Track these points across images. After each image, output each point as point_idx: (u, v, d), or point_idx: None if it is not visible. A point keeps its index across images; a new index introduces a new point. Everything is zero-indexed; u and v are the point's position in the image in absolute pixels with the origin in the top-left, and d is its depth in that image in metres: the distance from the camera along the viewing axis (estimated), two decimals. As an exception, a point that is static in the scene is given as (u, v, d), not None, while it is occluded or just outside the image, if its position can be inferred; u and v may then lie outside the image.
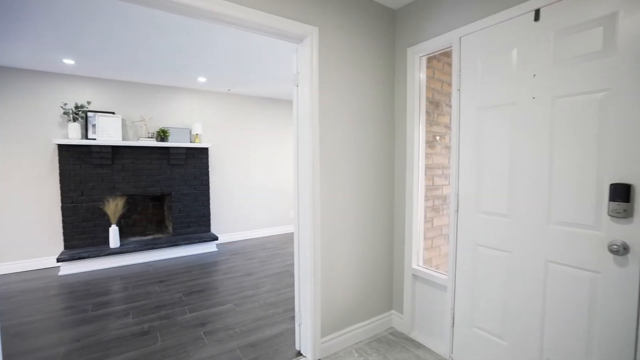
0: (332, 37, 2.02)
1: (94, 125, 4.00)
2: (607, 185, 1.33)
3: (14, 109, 3.66)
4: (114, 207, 4.02)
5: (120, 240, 4.29)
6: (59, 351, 2.14)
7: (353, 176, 2.18)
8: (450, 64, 2.52)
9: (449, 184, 2.58)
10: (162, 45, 3.00)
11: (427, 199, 2.39)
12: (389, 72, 2.33)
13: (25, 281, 3.42)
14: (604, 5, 1.32)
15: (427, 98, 2.34)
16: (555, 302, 1.51)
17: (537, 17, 1.52)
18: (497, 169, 1.73)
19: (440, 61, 2.47)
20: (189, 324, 2.49)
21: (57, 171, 3.89)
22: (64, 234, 3.87)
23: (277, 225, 5.64)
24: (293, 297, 2.96)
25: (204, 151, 4.71)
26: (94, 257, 3.76)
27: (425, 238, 2.38)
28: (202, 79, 4.23)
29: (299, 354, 2.10)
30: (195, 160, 4.66)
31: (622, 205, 1.28)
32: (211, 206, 4.95)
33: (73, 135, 3.81)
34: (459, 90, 1.91)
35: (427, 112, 2.35)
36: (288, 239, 5.26)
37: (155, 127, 4.47)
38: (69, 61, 3.45)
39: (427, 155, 2.37)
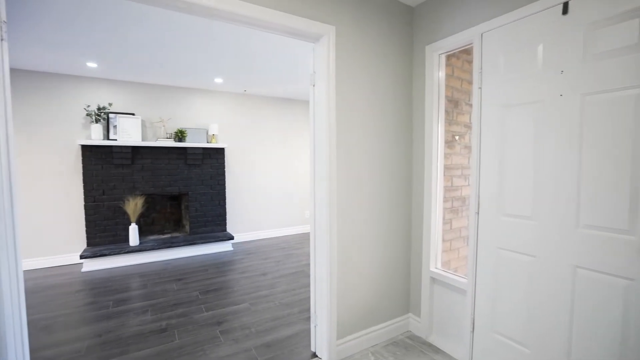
0: (349, 35, 1.99)
1: (115, 126, 4.11)
2: (643, 187, 1.26)
3: (41, 111, 3.81)
4: (133, 206, 4.12)
5: (140, 239, 4.40)
6: (82, 346, 2.20)
7: (370, 176, 2.14)
8: (470, 62, 2.45)
9: (468, 184, 2.51)
10: (181, 47, 3.05)
11: (445, 200, 2.34)
12: (406, 70, 2.29)
13: (50, 277, 3.55)
14: (639, -4, 1.24)
15: (446, 97, 2.28)
16: (584, 310, 1.43)
17: (565, 10, 1.45)
18: (520, 169, 1.67)
19: (459, 59, 2.40)
20: (205, 322, 2.52)
21: (81, 171, 4.02)
22: (87, 231, 3.99)
23: (292, 225, 5.65)
24: (308, 298, 2.95)
25: (220, 151, 4.77)
26: (114, 254, 3.87)
27: (443, 240, 2.33)
28: (218, 80, 4.29)
29: (315, 355, 2.09)
30: (211, 161, 4.72)
31: (659, 208, 1.21)
32: (227, 206, 5.01)
33: (95, 136, 3.93)
34: (480, 88, 1.85)
35: (446, 111, 2.30)
36: (303, 239, 5.26)
37: (173, 128, 4.56)
38: (92, 64, 3.55)
39: (446, 155, 2.31)
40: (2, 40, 1.22)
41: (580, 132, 1.43)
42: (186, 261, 4.12)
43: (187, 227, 4.71)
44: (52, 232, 3.92)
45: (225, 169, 4.97)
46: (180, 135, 4.47)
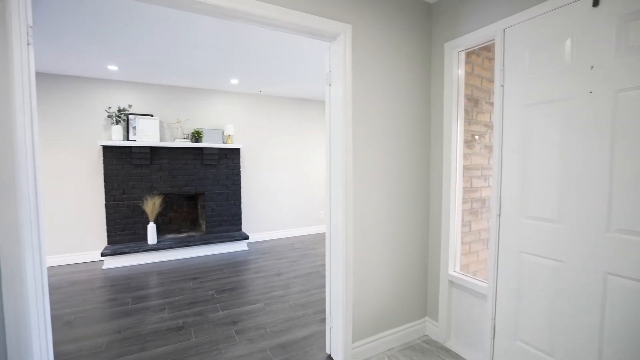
0: (366, 34, 1.96)
1: (134, 128, 4.21)
2: (682, 190, 1.18)
3: (65, 113, 3.94)
4: (151, 205, 4.21)
5: (157, 237, 4.49)
6: (102, 341, 2.26)
7: (387, 176, 2.11)
8: (490, 59, 2.38)
9: (488, 186, 2.43)
10: (198, 48, 3.09)
11: (464, 201, 2.27)
12: (424, 69, 2.24)
13: (73, 273, 3.67)
14: (679, -15, 1.17)
15: (466, 95, 2.22)
16: (616, 319, 1.36)
17: (596, 2, 1.37)
18: (545, 170, 1.60)
19: (479, 56, 2.33)
20: (220, 321, 2.54)
21: (102, 171, 4.14)
22: (107, 230, 4.11)
23: (307, 226, 5.65)
24: (323, 299, 2.93)
25: (235, 152, 4.81)
26: (133, 252, 3.96)
27: (462, 242, 2.26)
28: (234, 81, 4.33)
29: (330, 358, 2.06)
30: (227, 161, 4.77)
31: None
32: (242, 206, 5.05)
33: (116, 137, 4.04)
34: (502, 86, 1.78)
35: (466, 110, 2.23)
36: (317, 239, 5.25)
37: (190, 129, 4.63)
38: (113, 67, 3.65)
39: (465, 156, 2.25)
40: (28, 44, 1.26)
41: (612, 131, 1.35)
42: (202, 260, 4.18)
43: (203, 227, 4.78)
44: (75, 230, 4.05)
45: (241, 169, 5.01)
46: (196, 136, 4.53)
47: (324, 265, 3.93)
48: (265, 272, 3.69)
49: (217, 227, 4.76)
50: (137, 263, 4.02)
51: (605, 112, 1.37)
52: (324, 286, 3.24)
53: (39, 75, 3.79)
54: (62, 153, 3.95)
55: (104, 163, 4.04)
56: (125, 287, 3.26)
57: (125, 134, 4.21)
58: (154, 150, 4.30)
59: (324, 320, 2.53)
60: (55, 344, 2.21)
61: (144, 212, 4.28)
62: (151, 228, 4.18)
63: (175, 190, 4.48)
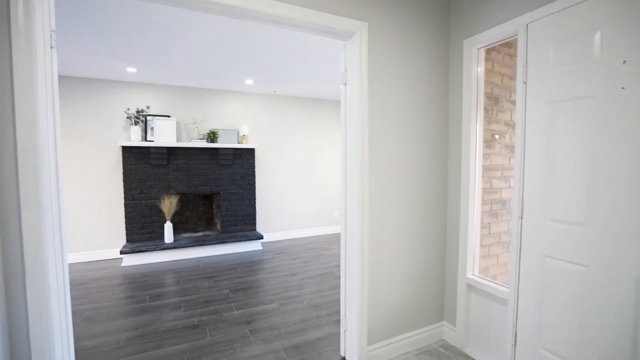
0: (382, 31, 1.93)
1: (152, 128, 4.30)
2: None
3: (86, 115, 4.06)
4: (168, 204, 4.29)
5: (174, 236, 4.57)
6: (121, 337, 2.31)
7: (403, 176, 2.06)
8: (512, 56, 2.30)
9: (509, 187, 2.35)
10: (214, 49, 3.12)
11: (484, 202, 2.20)
12: (442, 66, 2.19)
13: (94, 270, 3.77)
14: None
15: (485, 93, 2.15)
16: (650, 328, 1.28)
17: (628, -7, 1.30)
18: (571, 170, 1.52)
19: (500, 52, 2.26)
20: (235, 320, 2.55)
21: (121, 170, 4.24)
22: (126, 228, 4.21)
23: (321, 226, 5.63)
24: (337, 300, 2.91)
25: (250, 152, 4.85)
26: (151, 250, 4.05)
27: (481, 245, 2.19)
28: (249, 82, 4.36)
29: (344, 360, 2.04)
30: (242, 161, 4.81)
31: None
32: (256, 205, 5.08)
33: (134, 137, 4.13)
34: (525, 83, 1.71)
35: (485, 109, 2.16)
36: (331, 239, 5.23)
37: (205, 129, 4.69)
38: (132, 69, 3.74)
39: (484, 156, 2.18)
40: (51, 48, 1.29)
41: (645, 129, 1.27)
42: (217, 259, 4.23)
43: (219, 226, 4.84)
44: (96, 228, 4.17)
45: (255, 169, 5.04)
46: (212, 136, 4.59)
47: (338, 266, 3.90)
48: (280, 272, 3.70)
49: (231, 226, 4.80)
50: (154, 261, 4.10)
51: (638, 110, 1.29)
52: (338, 287, 3.22)
53: (61, 78, 3.92)
54: (84, 153, 4.07)
55: (123, 163, 4.14)
56: (142, 284, 3.33)
57: (144, 134, 4.31)
58: (170, 150, 4.38)
59: (338, 321, 2.51)
60: (77, 339, 2.28)
61: (161, 211, 4.36)
62: (168, 227, 4.26)
63: (191, 189, 4.55)
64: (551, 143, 1.61)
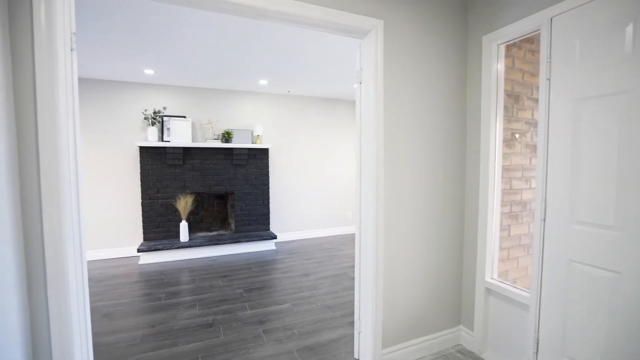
0: (398, 29, 1.89)
1: (168, 129, 4.37)
2: None
3: (104, 116, 4.17)
4: (184, 204, 4.36)
5: (189, 235, 4.64)
6: (137, 334, 2.35)
7: (419, 177, 2.02)
8: (533, 52, 2.21)
9: (530, 188, 2.27)
10: (229, 51, 3.15)
11: (503, 204, 2.13)
12: (460, 63, 2.13)
13: (113, 267, 3.87)
14: None
15: (506, 91, 2.08)
16: (686, 339, 1.20)
17: (663, -17, 1.22)
18: (599, 171, 1.45)
19: (521, 48, 2.18)
20: (249, 320, 2.56)
21: (139, 170, 4.33)
22: (143, 227, 4.30)
23: (334, 226, 5.61)
24: (351, 301, 2.88)
25: (264, 152, 4.87)
26: (167, 249, 4.12)
27: (500, 248, 2.12)
28: (263, 82, 4.38)
29: (358, 363, 2.01)
30: (256, 161, 4.84)
31: None
32: (270, 205, 5.10)
33: (151, 138, 4.21)
34: (548, 79, 1.64)
35: (505, 107, 2.09)
36: (345, 240, 5.19)
37: (220, 129, 4.74)
38: (149, 71, 3.81)
39: (504, 156, 2.11)
40: (72, 50, 1.32)
41: (682, 127, 1.19)
42: (231, 258, 4.26)
43: (233, 226, 4.88)
44: (115, 226, 4.27)
45: (269, 169, 5.06)
46: (226, 137, 4.63)
47: (351, 266, 3.87)
48: (293, 272, 3.69)
49: (246, 226, 4.84)
50: (170, 259, 4.17)
51: (674, 106, 1.21)
52: (351, 288, 3.19)
53: (81, 80, 4.04)
54: (103, 153, 4.18)
55: (140, 163, 4.23)
56: (159, 282, 3.39)
57: (160, 135, 4.39)
58: (186, 150, 4.44)
59: (352, 323, 2.48)
60: (96, 335, 2.33)
61: (176, 211, 4.43)
62: (183, 226, 4.33)
63: (206, 189, 4.61)
64: (577, 142, 1.53)
